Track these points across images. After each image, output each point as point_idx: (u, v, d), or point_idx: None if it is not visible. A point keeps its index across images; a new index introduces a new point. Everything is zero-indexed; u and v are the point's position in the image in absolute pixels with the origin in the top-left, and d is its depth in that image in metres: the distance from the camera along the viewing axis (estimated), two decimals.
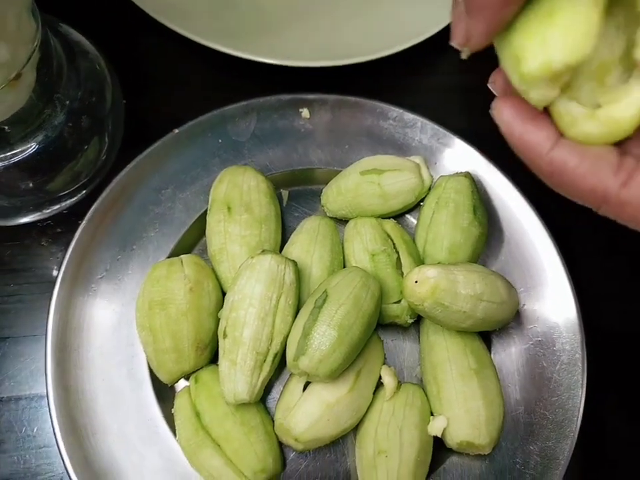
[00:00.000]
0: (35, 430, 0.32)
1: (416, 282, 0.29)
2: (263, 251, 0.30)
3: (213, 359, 0.32)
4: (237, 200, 0.33)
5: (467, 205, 0.34)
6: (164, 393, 0.32)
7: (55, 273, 0.36)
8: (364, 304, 0.29)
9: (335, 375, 0.29)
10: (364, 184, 0.35)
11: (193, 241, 0.36)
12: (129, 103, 0.38)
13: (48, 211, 0.35)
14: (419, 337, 0.35)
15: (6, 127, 0.30)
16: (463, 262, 0.34)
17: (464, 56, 0.20)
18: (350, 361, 0.29)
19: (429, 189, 0.36)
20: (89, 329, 0.32)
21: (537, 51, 0.17)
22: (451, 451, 0.31)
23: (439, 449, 0.31)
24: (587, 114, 0.18)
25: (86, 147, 0.34)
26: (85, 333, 0.32)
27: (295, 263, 0.30)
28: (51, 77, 0.32)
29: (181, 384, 0.32)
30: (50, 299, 0.32)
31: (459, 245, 0.33)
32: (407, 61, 0.41)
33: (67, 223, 0.36)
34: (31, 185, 0.33)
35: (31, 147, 0.32)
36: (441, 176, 0.36)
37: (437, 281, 0.29)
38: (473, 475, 0.31)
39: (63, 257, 0.33)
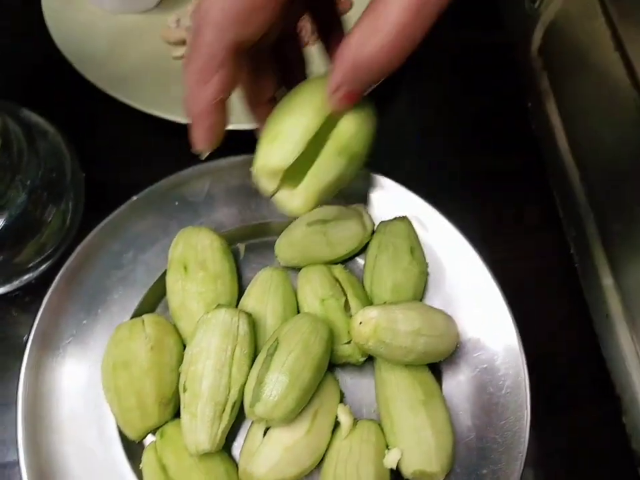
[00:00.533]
0: None
1: (360, 323, 0.32)
2: (218, 306, 0.33)
3: (178, 413, 0.34)
4: (192, 259, 0.36)
5: (405, 246, 0.37)
6: (134, 450, 0.33)
7: (24, 340, 0.37)
8: (313, 348, 0.31)
9: (290, 418, 0.30)
10: (311, 234, 0.37)
11: (156, 299, 0.38)
12: (88, 174, 0.41)
13: (17, 282, 0.37)
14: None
15: None
16: (406, 300, 0.36)
17: (201, 157, 0.28)
18: (303, 404, 0.31)
19: (372, 234, 0.39)
20: (58, 393, 0.34)
21: (262, 155, 0.26)
22: None
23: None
24: (292, 194, 0.27)
25: (49, 219, 0.37)
26: (55, 397, 0.34)
27: (248, 315, 0.33)
28: (12, 161, 0.34)
29: (150, 439, 0.34)
30: (20, 367, 0.34)
31: (401, 285, 0.36)
32: None
33: (34, 291, 0.38)
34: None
35: None
36: (381, 221, 0.39)
37: (378, 321, 0.31)
38: None
39: (32, 324, 0.35)
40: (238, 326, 0.32)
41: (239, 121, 0.43)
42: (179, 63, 0.48)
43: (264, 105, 0.29)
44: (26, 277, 0.37)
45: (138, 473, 0.32)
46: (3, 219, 0.34)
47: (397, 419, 0.33)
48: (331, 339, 0.33)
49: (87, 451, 0.32)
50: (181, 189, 0.41)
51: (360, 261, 0.40)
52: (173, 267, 0.36)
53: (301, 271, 0.38)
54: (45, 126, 0.40)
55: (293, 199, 0.27)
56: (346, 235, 0.38)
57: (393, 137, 0.47)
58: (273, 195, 0.27)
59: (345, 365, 0.36)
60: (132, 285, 0.38)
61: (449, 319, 0.35)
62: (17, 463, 0.31)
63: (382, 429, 0.34)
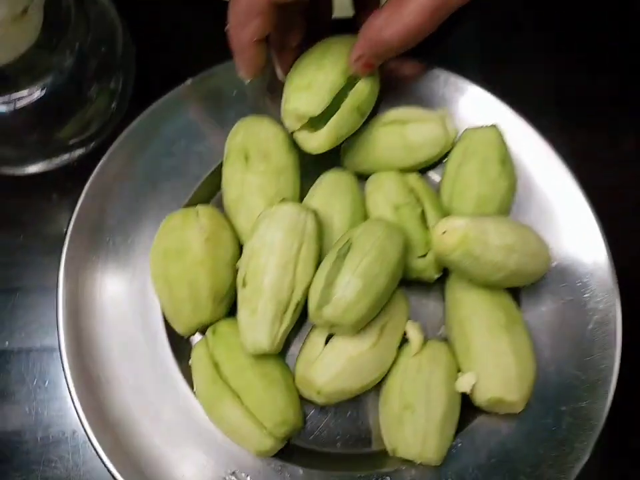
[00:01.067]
0: (46, 382, 0.31)
1: (444, 232, 0.28)
2: (283, 200, 0.29)
3: (229, 313, 0.31)
4: (254, 149, 0.32)
5: (495, 156, 0.32)
6: (180, 347, 0.31)
7: (65, 225, 0.34)
8: (389, 254, 0.28)
9: (360, 326, 0.27)
10: (386, 136, 0.33)
11: (207, 194, 0.35)
12: (140, 53, 0.37)
13: (57, 160, 0.34)
14: (443, 295, 0.33)
15: (11, 70, 0.29)
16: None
17: (246, 82, 0.32)
18: (375, 313, 0.28)
19: (454, 142, 0.34)
20: (100, 280, 0.31)
21: (294, 100, 0.30)
22: (478, 411, 0.30)
23: (466, 408, 0.30)
24: (311, 136, 0.30)
25: (95, 95, 0.33)
26: (98, 285, 0.31)
27: (315, 213, 0.29)
28: (59, 19, 0.30)
29: (197, 339, 0.31)
30: (61, 251, 0.31)
31: (487, 198, 0.32)
32: None
33: (76, 175, 0.35)
34: (39, 131, 0.31)
35: (38, 91, 0.30)
36: (467, 128, 0.34)
37: (466, 231, 0.27)
38: (502, 435, 0.30)
39: (73, 209, 0.32)
40: (305, 223, 0.28)
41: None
42: None
43: (289, 51, 0.32)
44: (67, 155, 0.34)
45: (183, 370, 0.30)
46: (46, 85, 0.30)
47: (475, 342, 0.29)
48: (406, 248, 0.29)
49: (129, 340, 0.30)
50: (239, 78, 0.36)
51: (433, 176, 0.36)
52: (232, 157, 0.32)
53: (371, 176, 0.34)
54: None
55: (311, 140, 0.30)
56: (427, 138, 0.33)
57: (487, 44, 0.42)
58: (294, 132, 0.31)
59: (411, 284, 0.33)
60: (183, 176, 0.34)
61: (541, 239, 0.31)
62: (56, 348, 0.29)
63: (453, 353, 0.30)
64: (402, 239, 0.29)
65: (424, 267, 0.31)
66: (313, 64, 0.30)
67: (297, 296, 0.27)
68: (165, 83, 0.35)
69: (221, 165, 0.34)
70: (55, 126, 0.32)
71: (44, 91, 0.30)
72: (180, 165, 0.34)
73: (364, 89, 0.30)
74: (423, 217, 0.32)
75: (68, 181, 0.36)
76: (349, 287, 0.26)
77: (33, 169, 0.33)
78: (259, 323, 0.27)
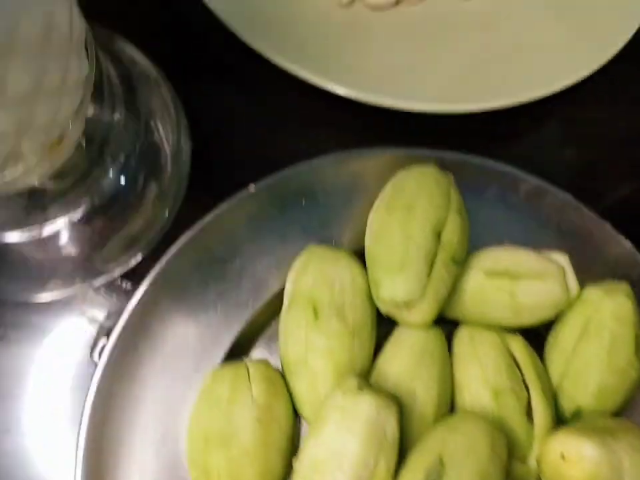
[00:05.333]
0: None
1: (563, 457, 0.21)
2: (359, 386, 0.23)
3: None
4: (325, 300, 0.26)
5: (628, 337, 0.25)
6: None
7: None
8: None
9: None
10: (491, 290, 0.27)
11: (257, 328, 0.29)
12: (194, 144, 0.31)
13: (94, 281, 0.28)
14: None
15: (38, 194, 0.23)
16: (611, 409, 0.26)
17: None
18: None
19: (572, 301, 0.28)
20: (130, 442, 0.26)
21: (388, 286, 0.25)
22: None
23: None
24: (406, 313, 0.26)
25: (141, 207, 0.27)
26: (126, 448, 0.26)
27: (398, 408, 0.23)
28: (102, 123, 0.25)
29: None
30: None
31: (611, 391, 0.25)
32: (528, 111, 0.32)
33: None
34: (73, 259, 0.26)
35: (76, 212, 0.25)
36: (591, 287, 0.27)
37: (598, 466, 0.21)
38: None
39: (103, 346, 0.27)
40: (386, 425, 0.22)
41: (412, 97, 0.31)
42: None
43: None
44: (104, 278, 0.28)
45: None
46: (84, 208, 0.24)
47: None
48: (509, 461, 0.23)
49: None
50: (311, 183, 0.30)
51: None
52: (298, 304, 0.26)
53: (462, 331, 0.28)
54: (146, 67, 0.29)
55: (412, 315, 0.26)
56: (542, 301, 0.26)
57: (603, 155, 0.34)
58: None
59: None
60: (234, 305, 0.28)
61: None
62: None
63: None
64: (506, 452, 0.23)
65: (525, 476, 0.25)
66: (398, 229, 0.26)
67: None
68: (220, 183, 0.29)
69: (277, 294, 0.28)
70: (92, 252, 0.26)
71: (82, 214, 0.25)
72: (231, 291, 0.29)
73: (454, 234, 0.26)
74: (528, 405, 0.25)
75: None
76: None
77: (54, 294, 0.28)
78: None
